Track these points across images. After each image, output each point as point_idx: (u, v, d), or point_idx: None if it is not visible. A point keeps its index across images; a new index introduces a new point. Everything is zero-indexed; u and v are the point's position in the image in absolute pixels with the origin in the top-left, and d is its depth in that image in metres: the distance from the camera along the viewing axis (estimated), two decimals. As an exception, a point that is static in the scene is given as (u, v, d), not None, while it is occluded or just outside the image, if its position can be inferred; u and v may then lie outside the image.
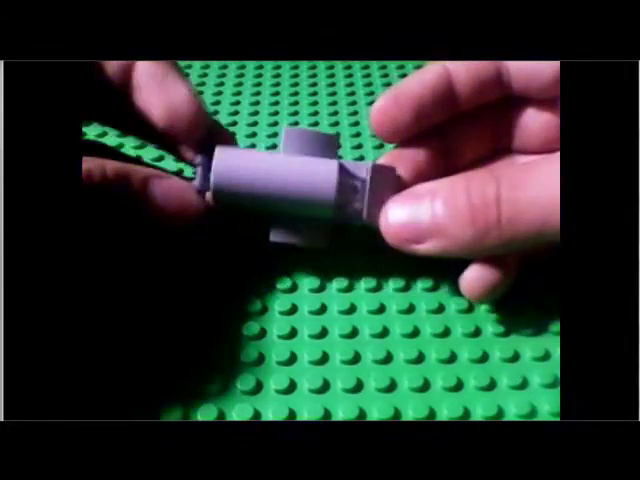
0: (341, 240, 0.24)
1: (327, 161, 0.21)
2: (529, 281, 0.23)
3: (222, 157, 0.21)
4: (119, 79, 0.21)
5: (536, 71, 0.22)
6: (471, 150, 0.24)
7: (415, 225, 0.20)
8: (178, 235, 0.22)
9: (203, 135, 0.22)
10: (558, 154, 0.18)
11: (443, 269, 0.23)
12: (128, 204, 0.20)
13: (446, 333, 0.21)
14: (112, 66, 0.21)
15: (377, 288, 0.23)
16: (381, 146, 0.30)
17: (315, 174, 0.21)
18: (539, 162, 0.19)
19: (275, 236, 0.22)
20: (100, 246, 0.20)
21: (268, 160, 0.21)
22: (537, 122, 0.23)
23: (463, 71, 0.22)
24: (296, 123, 0.32)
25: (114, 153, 0.25)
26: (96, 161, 0.19)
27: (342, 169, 0.21)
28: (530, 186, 0.18)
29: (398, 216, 0.20)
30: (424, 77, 0.23)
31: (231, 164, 0.21)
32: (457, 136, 0.23)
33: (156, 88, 0.21)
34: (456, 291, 0.22)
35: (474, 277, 0.20)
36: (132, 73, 0.21)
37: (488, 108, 0.23)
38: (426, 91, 0.22)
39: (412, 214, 0.20)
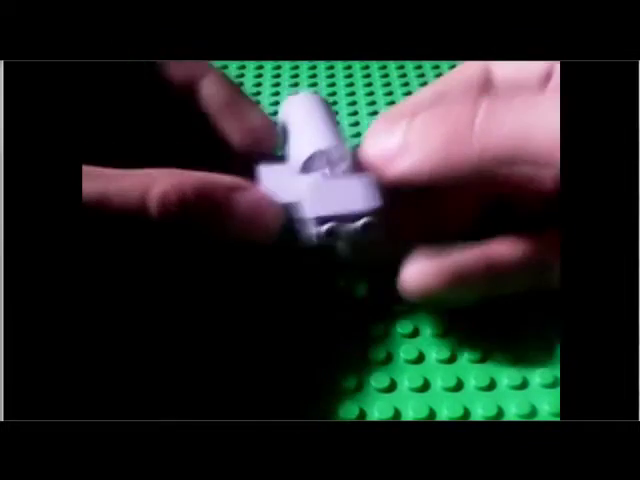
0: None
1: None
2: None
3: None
4: (183, 101, 0.21)
5: (521, 80, 0.21)
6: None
7: (388, 144, 0.19)
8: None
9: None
10: (549, 94, 0.18)
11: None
12: (210, 224, 0.18)
13: (446, 333, 0.21)
14: (176, 83, 0.21)
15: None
16: (381, 146, 0.30)
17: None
18: (526, 94, 0.18)
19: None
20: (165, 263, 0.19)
21: None
22: None
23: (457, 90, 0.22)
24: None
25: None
26: (172, 177, 0.17)
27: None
28: (510, 109, 0.18)
29: (374, 141, 0.19)
30: (418, 99, 0.22)
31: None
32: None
33: (232, 116, 0.21)
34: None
35: (414, 272, 0.19)
36: (198, 95, 0.21)
37: None
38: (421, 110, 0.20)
39: (387, 136, 0.19)
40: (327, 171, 0.20)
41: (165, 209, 0.17)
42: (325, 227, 0.19)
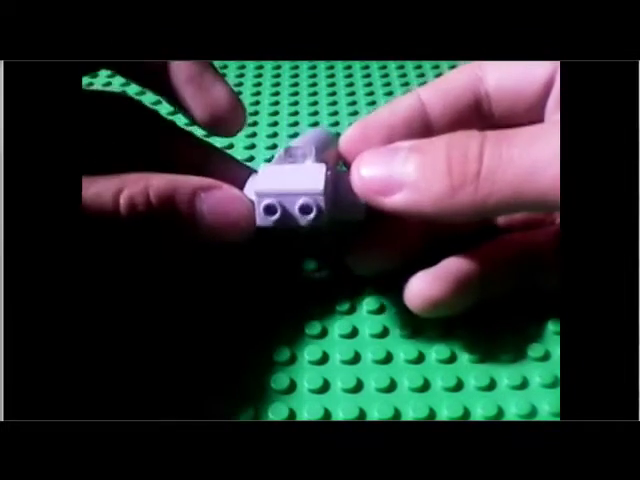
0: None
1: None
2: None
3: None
4: (154, 78, 0.21)
5: (520, 90, 0.21)
6: None
7: (387, 176, 0.18)
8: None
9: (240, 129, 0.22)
10: (549, 124, 0.18)
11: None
12: (175, 227, 0.19)
13: (446, 333, 0.21)
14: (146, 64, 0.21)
15: (377, 289, 0.23)
16: (381, 146, 0.30)
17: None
18: (529, 127, 0.18)
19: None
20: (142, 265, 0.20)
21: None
22: None
23: (438, 101, 0.21)
24: (296, 123, 0.32)
25: (138, 107, 0.23)
26: (138, 182, 0.18)
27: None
28: (515, 144, 0.17)
29: (371, 168, 0.19)
30: (396, 107, 0.22)
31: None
32: None
33: (195, 89, 0.21)
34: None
35: (418, 287, 0.20)
36: (167, 73, 0.21)
37: None
38: (397, 121, 0.21)
39: (386, 165, 0.18)
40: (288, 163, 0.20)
41: (133, 211, 0.18)
42: (264, 203, 0.19)
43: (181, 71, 0.21)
